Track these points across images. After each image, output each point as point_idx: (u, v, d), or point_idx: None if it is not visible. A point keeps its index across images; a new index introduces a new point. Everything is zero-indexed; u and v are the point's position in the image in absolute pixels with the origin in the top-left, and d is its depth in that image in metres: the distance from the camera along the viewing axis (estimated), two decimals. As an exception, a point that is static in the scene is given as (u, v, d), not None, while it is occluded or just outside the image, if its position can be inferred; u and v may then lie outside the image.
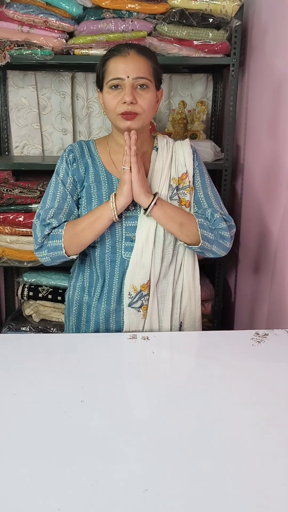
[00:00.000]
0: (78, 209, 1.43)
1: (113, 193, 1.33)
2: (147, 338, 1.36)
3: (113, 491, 0.83)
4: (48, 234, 1.36)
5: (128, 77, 1.29)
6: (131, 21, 1.97)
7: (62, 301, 2.40)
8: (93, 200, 1.39)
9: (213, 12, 1.97)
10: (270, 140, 1.78)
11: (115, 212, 1.31)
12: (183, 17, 1.95)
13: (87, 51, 2.02)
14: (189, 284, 1.48)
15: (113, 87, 1.31)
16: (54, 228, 1.36)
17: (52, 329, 2.39)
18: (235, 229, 1.44)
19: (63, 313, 2.41)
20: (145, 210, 1.33)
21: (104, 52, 1.98)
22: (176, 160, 1.44)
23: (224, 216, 1.42)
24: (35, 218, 1.41)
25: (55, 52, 2.01)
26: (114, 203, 1.31)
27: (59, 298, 2.40)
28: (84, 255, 1.47)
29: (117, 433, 0.97)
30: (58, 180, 1.42)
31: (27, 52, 1.98)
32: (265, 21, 1.86)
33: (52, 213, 1.37)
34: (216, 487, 0.84)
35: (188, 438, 0.97)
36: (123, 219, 1.38)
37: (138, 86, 1.31)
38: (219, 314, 2.34)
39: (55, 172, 1.45)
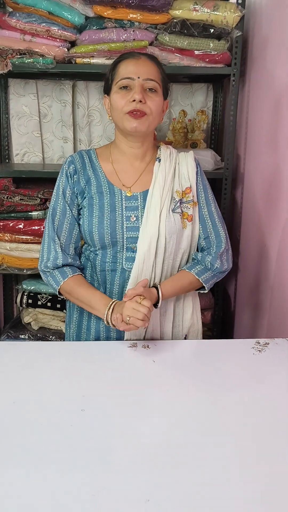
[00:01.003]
0: (80, 219, 1.42)
1: (113, 303, 1.32)
2: (148, 347, 1.35)
3: (115, 502, 0.82)
4: (52, 269, 1.41)
5: (138, 77, 1.30)
6: (133, 31, 1.99)
7: (61, 309, 2.39)
8: (94, 211, 1.38)
9: (214, 22, 1.99)
10: (271, 150, 1.79)
11: (107, 322, 1.32)
12: (184, 27, 1.96)
13: (89, 60, 2.03)
14: (190, 294, 1.48)
15: (122, 87, 1.32)
16: (58, 268, 1.41)
17: (51, 337, 2.38)
18: (223, 248, 1.44)
19: (62, 321, 2.41)
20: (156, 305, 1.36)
21: (106, 61, 2.02)
22: (180, 172, 1.43)
23: (220, 250, 1.44)
24: (44, 237, 1.43)
25: (57, 61, 2.02)
26: (109, 316, 1.31)
27: (59, 306, 2.39)
28: (86, 260, 1.47)
29: (118, 443, 0.96)
30: (59, 195, 1.42)
31: (29, 60, 1.99)
32: (266, 32, 1.88)
33: (59, 249, 1.40)
34: (218, 497, 0.83)
35: (190, 447, 0.96)
36: (124, 230, 1.38)
37: (148, 89, 1.31)
38: (219, 323, 2.33)
39: (56, 185, 1.45)
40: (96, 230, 1.37)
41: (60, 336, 2.38)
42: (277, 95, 1.72)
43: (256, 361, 1.28)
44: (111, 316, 1.30)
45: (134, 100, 1.29)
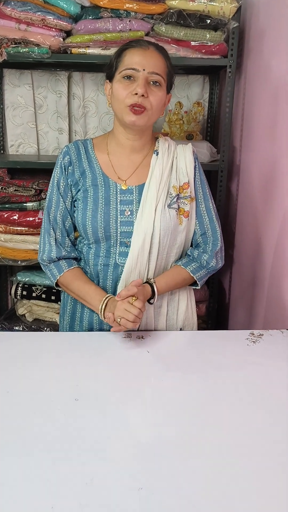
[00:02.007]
0: (74, 212, 1.41)
1: (107, 298, 1.32)
2: (142, 337, 1.35)
3: (108, 490, 0.82)
4: (49, 262, 1.42)
5: (144, 70, 1.25)
6: (129, 21, 1.97)
7: (56, 301, 2.39)
8: (88, 204, 1.36)
9: (210, 13, 1.97)
10: (267, 142, 1.78)
11: (101, 316, 1.33)
12: (181, 17, 1.95)
13: (84, 50, 2.01)
14: (185, 288, 1.47)
15: (125, 77, 1.27)
16: (54, 262, 1.42)
17: (45, 328, 2.38)
18: (219, 246, 1.45)
19: (57, 313, 2.40)
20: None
21: (102, 51, 2.00)
22: (177, 167, 1.40)
23: (215, 247, 1.44)
24: (41, 229, 1.43)
25: (52, 51, 2.01)
26: (102, 311, 1.32)
27: (53, 297, 2.39)
28: (79, 253, 1.46)
29: (111, 432, 0.96)
30: (54, 186, 1.42)
31: (24, 50, 1.98)
32: (263, 23, 1.87)
33: (54, 242, 1.41)
34: (211, 486, 0.83)
35: (183, 437, 0.96)
36: (118, 224, 1.36)
37: (151, 82, 1.27)
38: (214, 315, 2.34)
39: (51, 177, 1.44)
40: (89, 223, 1.36)
41: (54, 328, 2.38)
42: (273, 87, 1.71)
43: (250, 352, 1.28)
44: (104, 313, 1.30)
45: (136, 94, 1.26)
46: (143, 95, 1.25)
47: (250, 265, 1.94)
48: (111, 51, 2.02)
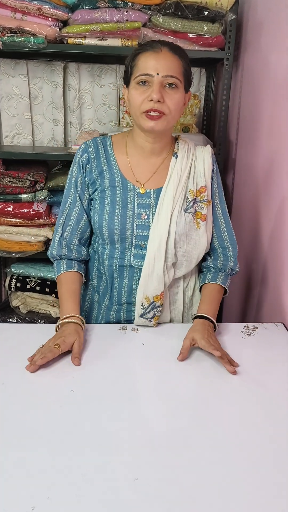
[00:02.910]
0: (90, 210, 1.40)
1: (61, 324, 1.26)
2: (137, 330, 1.35)
3: (104, 481, 0.82)
4: (53, 259, 1.43)
5: (158, 74, 1.21)
6: (126, 11, 1.96)
7: (50, 293, 2.38)
8: (105, 205, 1.35)
9: (208, 5, 1.96)
10: (263, 135, 1.78)
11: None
12: (179, 9, 1.94)
13: (81, 41, 2.00)
14: (198, 288, 1.47)
15: (140, 83, 1.24)
16: (57, 260, 1.42)
17: (39, 320, 2.37)
18: (237, 250, 1.46)
19: (51, 305, 2.40)
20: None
21: (98, 42, 1.99)
22: (196, 170, 1.37)
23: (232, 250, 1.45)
24: (57, 226, 1.42)
25: (48, 41, 1.98)
26: (56, 329, 1.27)
27: (47, 290, 2.38)
28: (94, 253, 1.44)
29: (107, 423, 0.97)
30: (71, 183, 1.40)
31: (20, 39, 1.95)
32: (261, 16, 1.86)
33: (57, 240, 1.41)
34: (207, 477, 0.84)
35: (178, 428, 0.97)
36: (135, 228, 1.34)
37: (167, 85, 1.22)
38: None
39: (69, 173, 1.42)
40: (106, 225, 1.34)
41: (48, 320, 2.37)
42: (270, 81, 1.71)
43: (245, 345, 1.29)
44: (53, 336, 1.24)
45: (152, 100, 1.22)
46: (159, 101, 1.22)
47: (245, 259, 1.94)
48: (108, 41, 2.00)
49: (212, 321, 1.30)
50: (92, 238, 1.45)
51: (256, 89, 1.89)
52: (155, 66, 1.22)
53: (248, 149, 1.98)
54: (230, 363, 1.15)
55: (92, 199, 1.39)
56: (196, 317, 1.32)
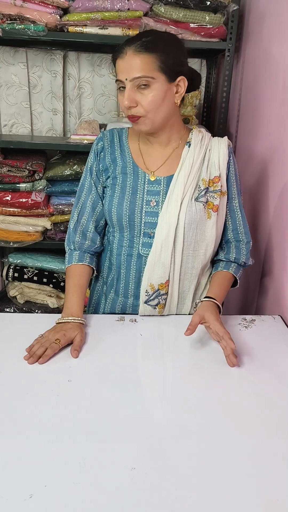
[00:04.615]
0: (103, 198, 1.40)
1: (63, 321, 1.26)
2: (135, 321, 1.35)
3: (100, 470, 0.82)
4: (68, 248, 1.43)
5: (126, 79, 1.21)
6: (128, 0, 1.94)
7: (48, 283, 2.38)
8: (116, 191, 1.35)
9: (210, -5, 1.95)
10: (263, 127, 1.77)
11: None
12: (181, -2, 1.92)
13: (81, 29, 1.98)
14: (208, 284, 1.45)
15: (120, 88, 1.25)
16: (70, 249, 1.42)
17: (37, 311, 2.37)
18: (251, 244, 1.46)
19: (48, 295, 2.40)
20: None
21: (99, 31, 1.97)
22: (210, 160, 1.36)
23: (247, 241, 1.44)
24: (73, 213, 1.43)
25: (49, 28, 1.96)
26: (57, 322, 1.27)
27: (45, 280, 2.38)
28: (108, 243, 1.44)
29: (104, 413, 0.97)
30: (87, 171, 1.41)
31: (20, 26, 1.93)
32: (263, 7, 1.84)
33: (72, 226, 1.42)
34: (204, 467, 0.84)
35: (176, 418, 0.97)
36: (143, 214, 1.34)
37: (141, 86, 1.21)
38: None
39: (86, 162, 1.43)
40: (115, 210, 1.34)
41: (46, 310, 2.37)
42: (272, 73, 1.70)
43: (243, 337, 1.29)
44: (54, 328, 1.25)
45: None
46: (131, 106, 1.22)
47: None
48: (109, 30, 1.99)
49: (218, 306, 1.30)
50: (106, 228, 1.45)
51: (257, 81, 1.87)
52: (122, 71, 1.22)
53: (248, 141, 1.97)
54: (234, 356, 1.15)
55: (105, 187, 1.39)
56: (205, 297, 1.31)
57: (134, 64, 1.20)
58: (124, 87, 1.23)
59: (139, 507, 0.75)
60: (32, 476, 0.80)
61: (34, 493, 0.77)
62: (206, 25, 1.99)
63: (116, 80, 1.25)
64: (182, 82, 1.27)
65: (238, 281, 1.43)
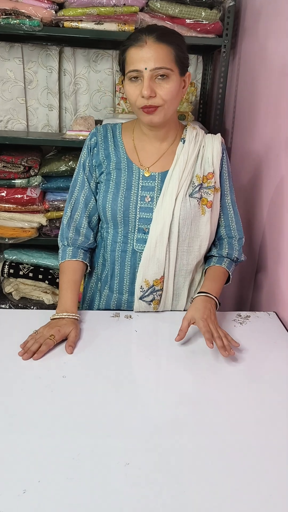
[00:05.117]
0: (97, 194, 1.39)
1: (57, 317, 1.26)
2: (130, 317, 1.35)
3: (94, 465, 0.82)
4: (61, 244, 1.43)
5: (146, 68, 1.18)
6: (123, -5, 1.93)
7: (43, 280, 2.38)
8: (110, 187, 1.35)
9: (206, -10, 1.94)
10: (260, 123, 1.77)
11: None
12: (176, -6, 1.92)
13: (77, 24, 1.97)
14: (200, 271, 1.46)
15: (132, 78, 1.22)
16: (64, 245, 1.42)
17: (32, 307, 2.37)
18: (243, 240, 1.46)
19: (44, 292, 2.39)
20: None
21: (94, 26, 1.96)
22: (204, 156, 1.36)
23: (239, 238, 1.44)
24: (66, 209, 1.42)
25: (44, 24, 1.96)
26: (51, 318, 1.27)
27: (40, 276, 2.38)
28: (101, 240, 1.44)
29: (98, 408, 0.97)
30: (80, 167, 1.41)
31: (15, 21, 1.92)
32: (259, 3, 1.84)
33: (66, 222, 1.41)
34: (198, 462, 0.84)
35: (170, 414, 0.97)
36: (138, 210, 1.34)
37: (159, 76, 1.20)
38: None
39: (79, 158, 1.42)
40: (109, 206, 1.34)
41: (41, 306, 2.37)
42: (268, 69, 1.69)
43: (237, 333, 1.29)
44: (48, 324, 1.25)
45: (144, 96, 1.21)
46: (151, 96, 1.20)
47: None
48: (104, 26, 1.98)
49: (214, 298, 1.30)
50: (100, 224, 1.45)
51: (253, 77, 1.87)
52: (142, 61, 1.19)
53: (244, 137, 1.97)
54: (225, 348, 1.15)
55: (98, 183, 1.39)
56: (199, 292, 1.31)
57: (157, 53, 1.19)
58: (136, 77, 1.22)
59: (133, 502, 0.75)
60: (25, 472, 0.80)
61: (28, 489, 0.77)
62: (202, 21, 1.99)
63: (130, 71, 1.21)
64: (188, 78, 1.29)
65: (231, 277, 1.42)
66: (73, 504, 0.75)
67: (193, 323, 1.22)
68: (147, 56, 1.19)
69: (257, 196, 1.76)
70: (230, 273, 1.41)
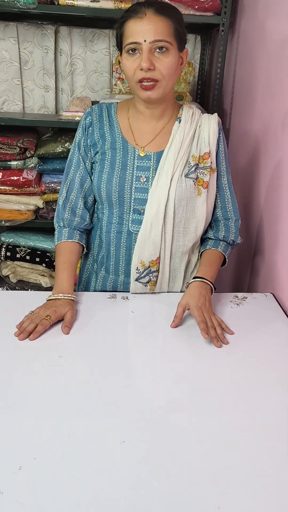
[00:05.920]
0: (92, 174, 1.38)
1: (54, 298, 1.25)
2: (127, 298, 1.35)
3: (90, 443, 0.83)
4: (58, 225, 1.42)
5: (145, 40, 1.16)
6: (120, -28, 1.89)
7: (40, 263, 2.37)
8: (105, 167, 1.33)
9: None
10: (258, 102, 1.75)
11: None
12: None
13: (73, 2, 1.93)
14: (197, 253, 1.45)
15: (130, 51, 1.19)
16: (60, 227, 1.41)
17: (29, 290, 2.36)
18: (240, 223, 1.45)
19: (41, 275, 2.39)
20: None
21: (90, 4, 1.93)
22: (200, 136, 1.34)
23: (236, 220, 1.43)
24: (61, 189, 1.41)
25: (39, 1, 1.92)
26: (48, 299, 1.26)
27: (37, 259, 2.37)
28: (98, 221, 1.43)
29: (94, 388, 0.97)
30: (75, 146, 1.39)
31: (9, -1, 1.89)
32: (258, -20, 1.80)
33: (61, 203, 1.40)
34: (194, 440, 0.85)
35: (166, 393, 0.97)
36: (133, 190, 1.33)
37: (157, 50, 1.18)
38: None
39: (74, 138, 1.40)
40: (104, 186, 1.33)
41: (39, 289, 2.36)
42: (266, 48, 1.67)
43: (234, 314, 1.29)
44: (44, 304, 1.25)
45: (142, 69, 1.19)
46: (150, 69, 1.18)
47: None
48: (100, 3, 1.94)
49: (210, 284, 1.29)
50: (95, 205, 1.43)
51: (251, 56, 1.84)
52: (141, 32, 1.17)
53: (243, 118, 1.95)
54: (217, 339, 1.15)
55: (93, 163, 1.37)
56: (194, 277, 1.31)
57: (156, 26, 1.17)
58: (134, 50, 1.19)
59: (128, 480, 0.76)
60: (21, 449, 0.81)
61: (23, 465, 0.77)
62: (200, -1, 1.95)
63: (129, 43, 1.19)
64: (185, 55, 1.27)
65: (227, 260, 1.42)
66: (68, 481, 0.75)
67: (188, 309, 1.22)
68: (146, 28, 1.17)
69: (255, 178, 1.74)
70: (226, 257, 1.41)
